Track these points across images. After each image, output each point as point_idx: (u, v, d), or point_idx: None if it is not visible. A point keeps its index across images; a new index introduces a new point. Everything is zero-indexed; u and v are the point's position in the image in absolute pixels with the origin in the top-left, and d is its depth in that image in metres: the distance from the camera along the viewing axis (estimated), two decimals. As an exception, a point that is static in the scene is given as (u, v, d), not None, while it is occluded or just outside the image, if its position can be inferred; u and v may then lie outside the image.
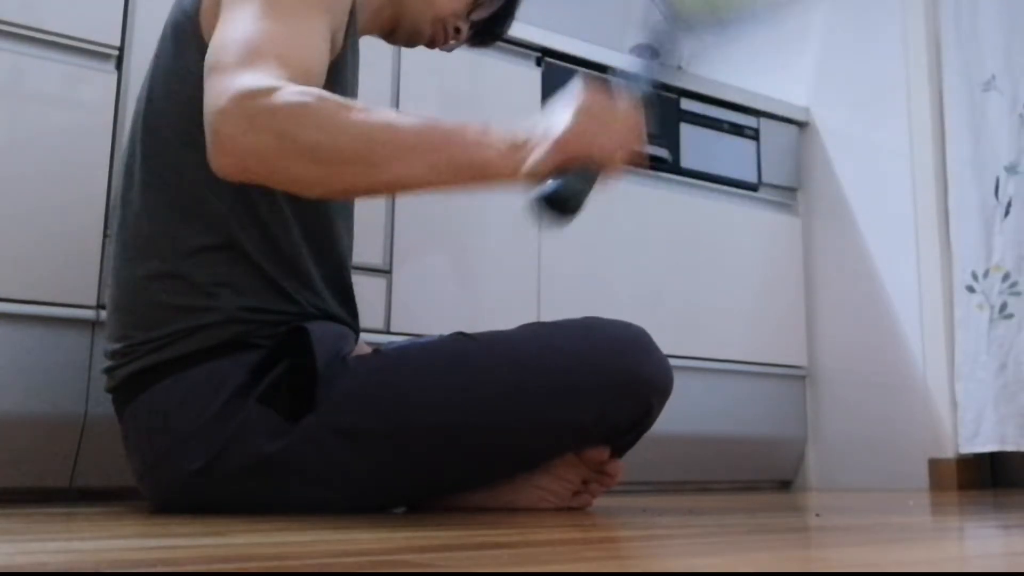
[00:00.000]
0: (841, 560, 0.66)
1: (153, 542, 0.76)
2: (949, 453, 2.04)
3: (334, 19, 1.09)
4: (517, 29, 1.85)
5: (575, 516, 1.09)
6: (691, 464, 2.06)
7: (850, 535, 0.87)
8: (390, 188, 0.99)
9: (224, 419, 1.06)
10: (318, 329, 1.10)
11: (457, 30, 1.31)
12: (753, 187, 2.25)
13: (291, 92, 0.94)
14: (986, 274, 2.01)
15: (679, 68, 2.38)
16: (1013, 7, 2.05)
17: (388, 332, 1.66)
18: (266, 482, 1.07)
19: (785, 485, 2.29)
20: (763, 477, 2.25)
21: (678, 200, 2.10)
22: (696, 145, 2.15)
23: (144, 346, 1.10)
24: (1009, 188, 2.00)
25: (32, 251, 1.37)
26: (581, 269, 1.93)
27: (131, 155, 1.17)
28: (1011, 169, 2.01)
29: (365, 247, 1.62)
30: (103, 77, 1.45)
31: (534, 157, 0.96)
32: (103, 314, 1.36)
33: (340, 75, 1.13)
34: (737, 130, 2.23)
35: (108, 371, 1.14)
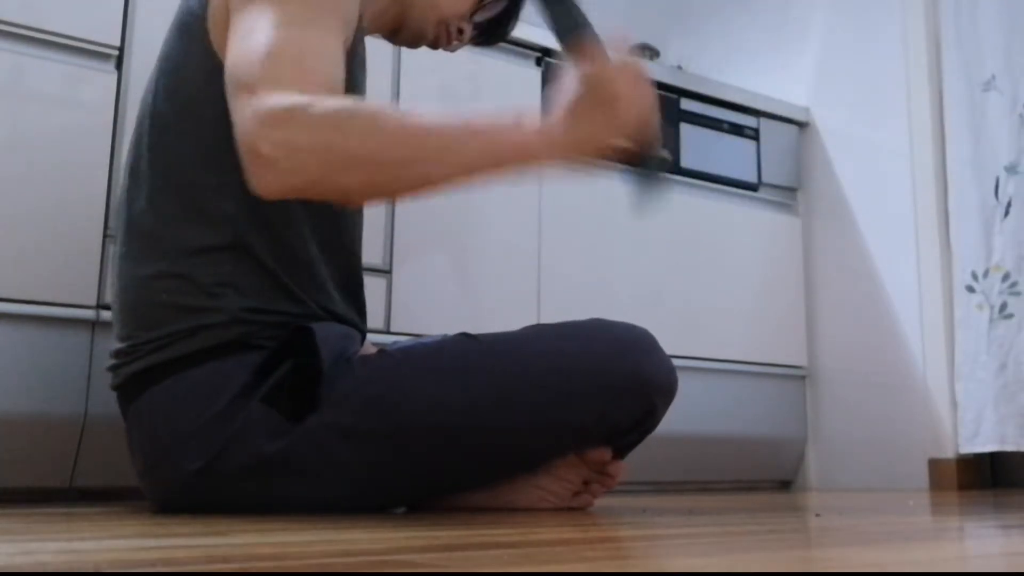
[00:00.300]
0: (841, 560, 0.66)
1: (153, 542, 0.76)
2: (949, 453, 2.04)
3: (346, 24, 1.09)
4: (517, 29, 1.85)
5: (575, 516, 1.09)
6: (691, 464, 2.06)
7: (850, 535, 0.87)
8: (436, 186, 0.99)
9: (226, 419, 1.06)
10: (322, 330, 1.10)
11: (460, 31, 1.31)
12: (753, 187, 2.25)
13: (325, 105, 0.94)
14: (986, 274, 2.01)
15: (679, 68, 2.38)
16: (1013, 7, 2.05)
17: (388, 332, 1.66)
18: (267, 482, 1.07)
19: (785, 485, 2.29)
20: (763, 477, 2.25)
21: (678, 200, 2.10)
22: (696, 145, 2.15)
23: (147, 345, 1.10)
24: (1009, 188, 2.00)
25: (32, 251, 1.37)
26: (581, 269, 1.93)
27: (136, 155, 1.17)
28: (1011, 169, 2.01)
29: (365, 247, 1.61)
30: (103, 77, 1.45)
31: (589, 150, 1.00)
32: (103, 314, 1.36)
33: (350, 74, 1.12)
34: (737, 130, 2.23)
35: (112, 369, 1.15)
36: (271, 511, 1.05)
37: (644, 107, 1.02)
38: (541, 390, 1.10)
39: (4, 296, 1.34)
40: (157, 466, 1.10)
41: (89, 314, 1.39)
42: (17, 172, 1.37)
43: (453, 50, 1.35)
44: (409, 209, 1.72)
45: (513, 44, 1.88)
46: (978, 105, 2.07)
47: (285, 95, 0.94)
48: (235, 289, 1.10)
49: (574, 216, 1.94)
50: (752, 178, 2.24)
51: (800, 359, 2.26)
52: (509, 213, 1.86)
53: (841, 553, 0.71)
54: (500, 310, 1.79)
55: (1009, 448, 1.95)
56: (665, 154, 1.03)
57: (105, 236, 1.40)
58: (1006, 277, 1.99)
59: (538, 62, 1.93)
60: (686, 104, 2.15)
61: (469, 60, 1.79)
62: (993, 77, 2.06)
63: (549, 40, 1.93)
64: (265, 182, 0.95)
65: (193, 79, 1.11)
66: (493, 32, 1.36)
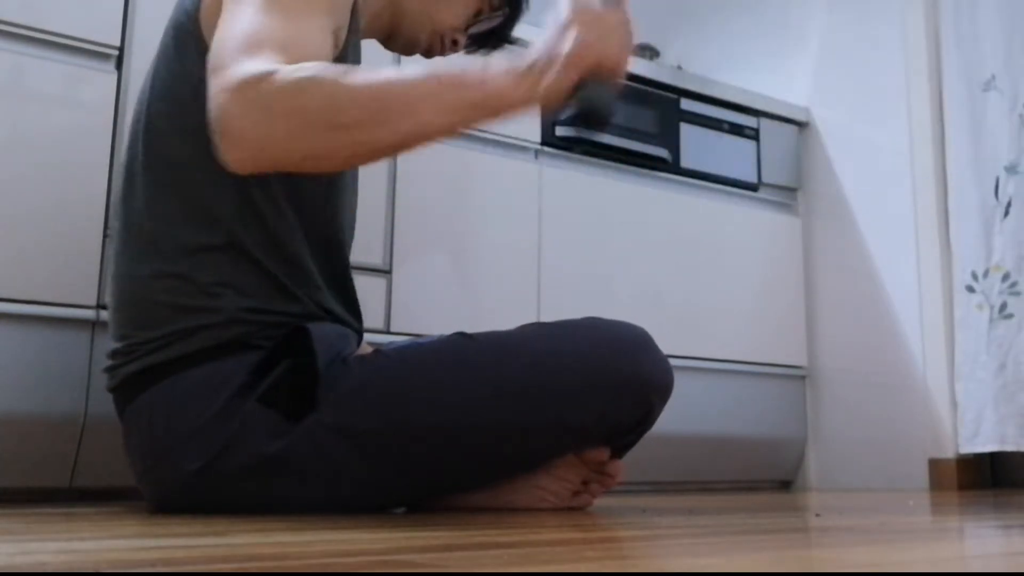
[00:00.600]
0: (841, 560, 0.66)
1: (153, 542, 0.76)
2: (949, 453, 2.04)
3: (335, 17, 1.09)
4: (517, 29, 1.85)
5: (575, 516, 1.09)
6: (691, 464, 2.06)
7: (850, 535, 0.87)
8: (411, 141, 0.98)
9: (224, 419, 1.06)
10: (319, 329, 1.10)
11: (455, 42, 1.32)
12: (753, 187, 2.25)
13: (289, 70, 0.93)
14: (986, 274, 2.01)
15: (679, 68, 2.38)
16: (1013, 7, 2.05)
17: (388, 332, 1.66)
18: (266, 482, 1.07)
19: (785, 485, 2.29)
20: (763, 477, 2.25)
21: (678, 200, 2.10)
22: (696, 145, 2.15)
23: (145, 346, 1.10)
24: (1009, 188, 2.00)
25: (32, 251, 1.36)
26: (581, 269, 1.93)
27: (132, 155, 1.17)
28: (1011, 169, 2.01)
29: (365, 247, 1.62)
30: (103, 77, 1.45)
31: (548, 79, 0.97)
32: (103, 314, 1.36)
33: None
34: (737, 130, 2.23)
35: (109, 370, 1.14)
36: (271, 511, 1.05)
37: (609, 39, 1.01)
38: (539, 389, 1.10)
39: (4, 296, 1.34)
40: (156, 467, 1.10)
41: (89, 314, 1.39)
42: (17, 172, 1.37)
43: (445, 55, 1.35)
44: (409, 209, 1.72)
45: (513, 44, 1.88)
46: (978, 105, 2.07)
47: (252, 65, 0.93)
48: (234, 289, 1.10)
49: (574, 216, 1.94)
50: (752, 178, 2.24)
51: (800, 359, 2.26)
52: (509, 213, 1.86)
53: (841, 553, 0.71)
54: (500, 310, 1.79)
55: (1009, 448, 1.95)
56: (613, 96, 1.01)
57: (105, 236, 1.40)
58: (1006, 277, 1.99)
59: (538, 62, 1.93)
60: (686, 104, 2.15)
61: (469, 60, 1.78)
62: (993, 77, 2.06)
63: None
64: (236, 155, 0.93)
65: (188, 78, 1.11)
66: (488, 43, 1.37)
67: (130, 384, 1.11)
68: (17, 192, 1.36)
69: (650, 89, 2.09)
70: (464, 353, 1.12)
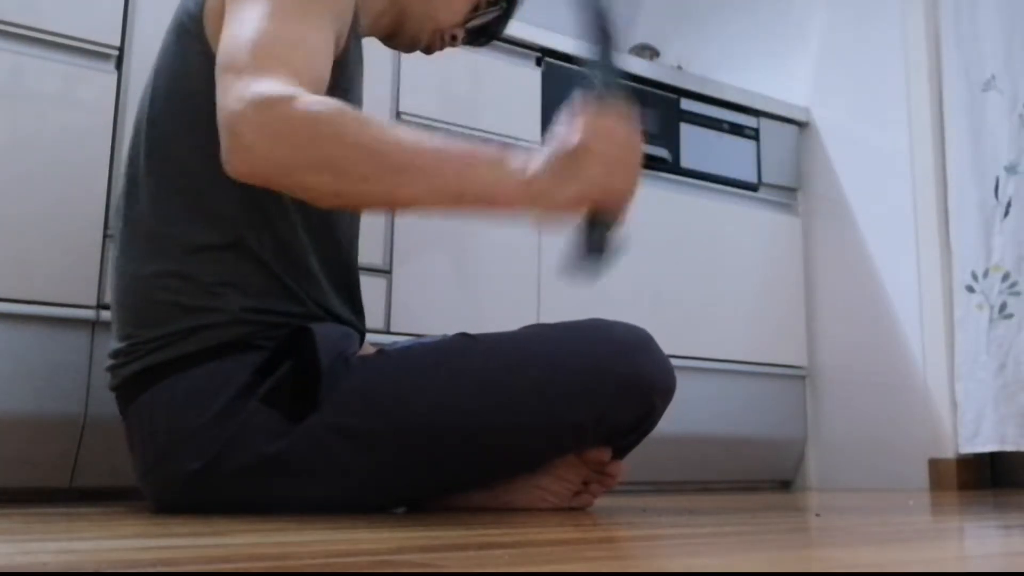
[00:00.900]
0: (841, 560, 0.66)
1: (153, 542, 0.76)
2: (949, 453, 2.04)
3: (338, 21, 1.09)
4: (517, 29, 1.85)
5: (575, 516, 1.09)
6: (691, 464, 2.06)
7: (850, 535, 0.87)
8: (401, 206, 1.01)
9: (226, 419, 1.06)
10: (322, 330, 1.10)
11: (454, 37, 1.33)
12: (753, 187, 2.25)
13: (310, 102, 0.94)
14: (986, 274, 2.01)
15: (679, 68, 2.38)
16: (1013, 7, 2.05)
17: (388, 332, 1.66)
18: (266, 482, 1.07)
19: (785, 485, 2.29)
20: (763, 477, 2.25)
21: (678, 200, 2.10)
22: (696, 145, 2.15)
23: (147, 345, 1.10)
24: (1009, 188, 2.00)
25: (32, 251, 1.37)
26: (581, 269, 1.93)
27: (134, 154, 1.17)
28: (1011, 169, 2.01)
29: (365, 247, 1.61)
30: (103, 77, 1.45)
31: (554, 202, 0.96)
32: (103, 314, 1.36)
33: (344, 75, 1.13)
34: (737, 130, 2.23)
35: (112, 369, 1.14)
36: (271, 511, 1.05)
37: (629, 176, 1.00)
38: (540, 390, 1.10)
39: (4, 296, 1.34)
40: (157, 466, 1.10)
41: (89, 314, 1.39)
42: (17, 172, 1.37)
43: (442, 48, 1.37)
44: (409, 209, 1.72)
45: (513, 44, 1.89)
46: (978, 105, 2.07)
47: (273, 83, 0.95)
48: (236, 288, 1.10)
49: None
50: (752, 178, 2.24)
51: (800, 359, 2.26)
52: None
53: (841, 553, 0.71)
54: (500, 310, 1.79)
55: (1009, 448, 1.95)
56: (619, 236, 1.01)
57: (105, 236, 1.40)
58: (1006, 277, 1.99)
59: (538, 62, 1.93)
60: (686, 104, 2.15)
61: (469, 60, 1.79)
62: (993, 77, 2.06)
63: (549, 40, 1.94)
64: (238, 162, 0.95)
65: (190, 79, 1.11)
66: (485, 34, 1.39)
67: (132, 383, 1.11)
68: (17, 192, 1.36)
69: (650, 89, 2.10)
70: (466, 354, 1.12)
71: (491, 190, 0.97)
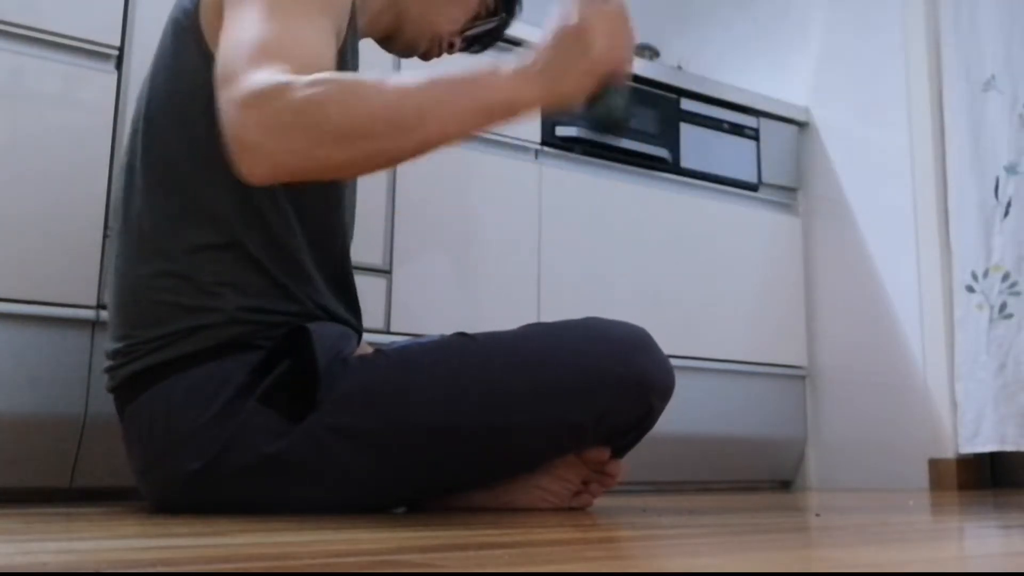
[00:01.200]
0: (841, 560, 0.66)
1: (153, 542, 0.76)
2: (949, 453, 2.04)
3: (337, 19, 1.09)
4: (517, 29, 1.85)
5: (575, 516, 1.09)
6: (691, 464, 2.06)
7: (850, 535, 0.87)
8: (427, 147, 0.98)
9: (224, 419, 1.06)
10: (319, 329, 1.10)
11: (451, 45, 1.34)
12: (753, 187, 2.25)
13: (303, 83, 0.92)
14: (986, 274, 2.01)
15: (679, 68, 2.38)
16: (1013, 7, 2.05)
17: (388, 332, 1.66)
18: (266, 482, 1.07)
19: (785, 485, 2.29)
20: (763, 477, 2.25)
21: (678, 200, 2.10)
22: (696, 145, 2.15)
23: (145, 345, 1.10)
24: (1009, 188, 2.00)
25: (32, 251, 1.37)
26: (581, 269, 1.93)
27: (131, 154, 1.17)
28: (1011, 169, 2.01)
29: (365, 247, 1.62)
30: (103, 77, 1.45)
31: (567, 84, 0.98)
32: (103, 314, 1.36)
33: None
34: (737, 130, 2.23)
35: (109, 370, 1.14)
36: (271, 511, 1.05)
37: (620, 44, 1.02)
38: (539, 389, 1.10)
39: (4, 296, 1.34)
40: (156, 466, 1.10)
41: (89, 314, 1.39)
42: (17, 172, 1.37)
43: (439, 56, 1.37)
44: (409, 209, 1.72)
45: (513, 44, 1.88)
46: (978, 105, 2.07)
47: (261, 75, 0.93)
48: (234, 288, 1.10)
49: (574, 216, 1.94)
50: (752, 178, 2.24)
51: (800, 359, 2.26)
52: (509, 213, 1.86)
53: (841, 553, 0.71)
54: (500, 310, 1.79)
55: (1009, 448, 1.95)
56: (624, 99, 1.03)
57: (105, 236, 1.40)
58: (1006, 277, 1.99)
59: (538, 62, 1.93)
60: (686, 104, 2.15)
61: (469, 60, 1.78)
62: (993, 77, 2.06)
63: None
64: (252, 167, 0.93)
65: (187, 78, 1.11)
66: (483, 44, 1.40)
67: (130, 384, 1.11)
68: (17, 192, 1.36)
69: (650, 89, 2.09)
70: (464, 353, 1.12)
71: (512, 94, 0.97)
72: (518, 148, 1.89)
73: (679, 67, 2.43)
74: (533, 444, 1.13)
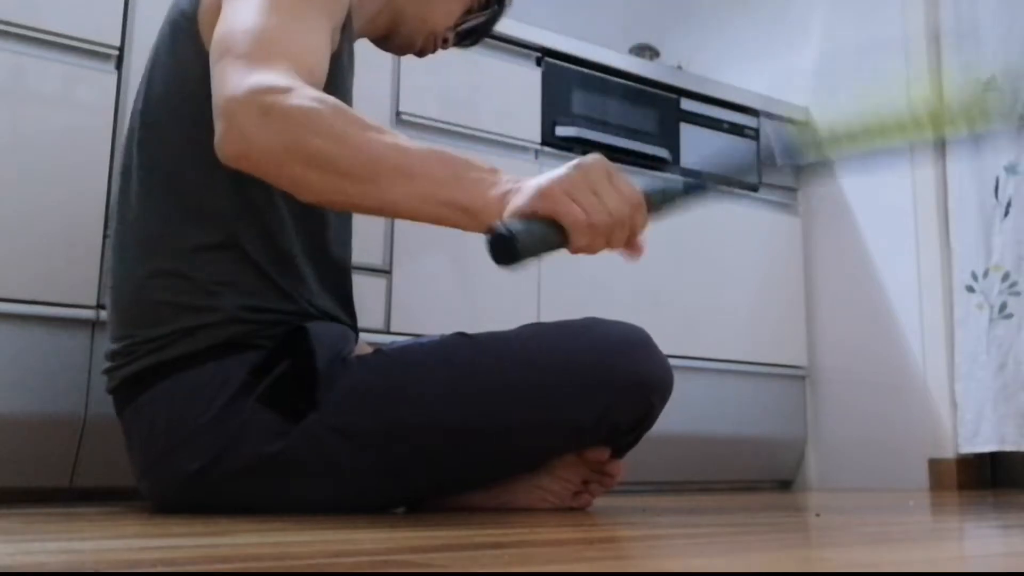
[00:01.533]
0: (841, 560, 0.66)
1: (153, 542, 0.76)
2: (949, 453, 2.04)
3: (333, 19, 1.09)
4: (517, 29, 1.85)
5: (575, 516, 1.09)
6: (691, 464, 2.06)
7: (850, 535, 0.87)
8: (384, 210, 0.98)
9: (224, 419, 1.06)
10: (319, 329, 1.10)
11: (445, 40, 1.34)
12: (753, 187, 2.25)
13: (307, 96, 0.94)
14: (986, 274, 2.01)
15: (679, 68, 2.38)
16: (1013, 7, 2.05)
17: (388, 332, 1.66)
18: (266, 482, 1.07)
19: (785, 485, 2.29)
20: (763, 477, 2.25)
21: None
22: (696, 145, 2.15)
23: (145, 345, 1.10)
24: (1009, 188, 2.00)
25: (32, 251, 1.37)
26: (581, 269, 1.93)
27: (128, 154, 1.17)
28: (1011, 169, 2.01)
29: (365, 247, 1.62)
30: (103, 77, 1.45)
31: (516, 200, 0.92)
32: (103, 314, 1.36)
33: (335, 74, 1.13)
34: (737, 130, 2.23)
35: (108, 371, 1.14)
36: (271, 511, 1.05)
37: (614, 222, 0.95)
38: (538, 390, 1.10)
39: (4, 296, 1.34)
40: (156, 467, 1.10)
41: (89, 314, 1.39)
42: (17, 172, 1.37)
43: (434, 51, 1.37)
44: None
45: (513, 44, 1.89)
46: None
47: (273, 74, 0.94)
48: (233, 288, 1.10)
49: (574, 216, 1.93)
50: (752, 178, 2.24)
51: (800, 359, 2.26)
52: (509, 213, 1.86)
53: (841, 553, 0.71)
54: (500, 310, 1.78)
55: (1009, 448, 1.95)
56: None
57: (105, 236, 1.40)
58: (1006, 277, 1.99)
59: (538, 62, 1.93)
60: (686, 104, 2.15)
61: (469, 60, 1.79)
62: (993, 77, 2.06)
63: (549, 40, 1.94)
64: (229, 145, 0.94)
65: (184, 79, 1.11)
66: (472, 37, 1.40)
67: (130, 385, 1.11)
68: (17, 192, 1.36)
69: (650, 89, 2.09)
70: (464, 353, 1.12)
71: (478, 202, 0.93)
72: (518, 148, 1.89)
73: (679, 67, 2.43)
74: (533, 444, 1.13)
